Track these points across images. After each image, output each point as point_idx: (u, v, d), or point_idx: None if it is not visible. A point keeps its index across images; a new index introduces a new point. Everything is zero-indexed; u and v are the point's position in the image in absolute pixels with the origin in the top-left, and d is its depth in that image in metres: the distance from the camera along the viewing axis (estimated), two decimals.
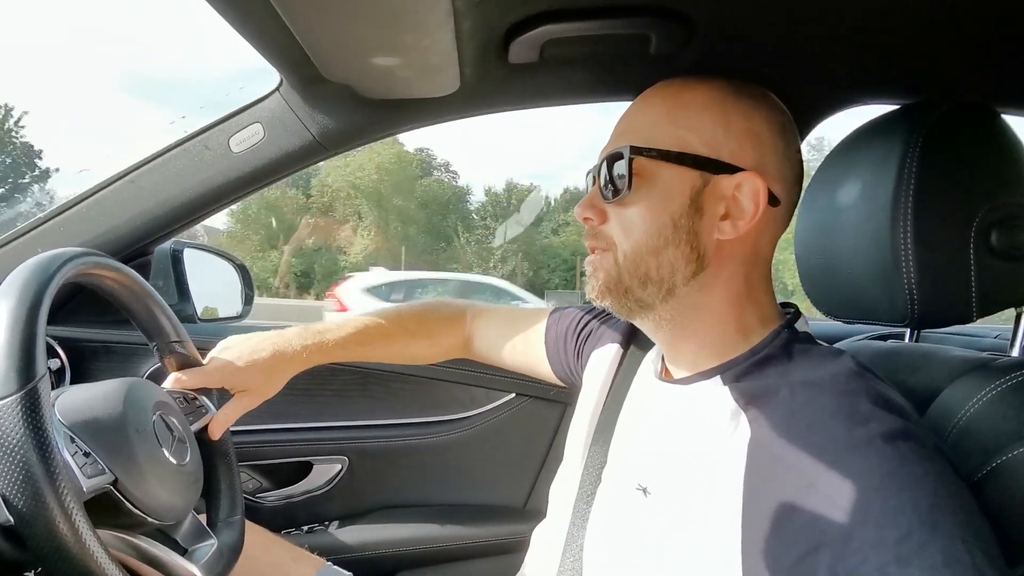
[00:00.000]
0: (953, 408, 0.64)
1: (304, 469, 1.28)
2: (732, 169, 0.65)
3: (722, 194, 0.65)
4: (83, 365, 1.14)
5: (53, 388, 0.80)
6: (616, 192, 0.67)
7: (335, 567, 0.99)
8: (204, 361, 0.88)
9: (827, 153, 0.80)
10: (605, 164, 0.68)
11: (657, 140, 0.66)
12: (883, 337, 0.98)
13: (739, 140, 0.66)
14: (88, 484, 0.58)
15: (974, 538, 0.46)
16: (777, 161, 0.67)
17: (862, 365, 0.61)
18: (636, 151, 0.66)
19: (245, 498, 1.20)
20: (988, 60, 0.77)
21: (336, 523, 1.29)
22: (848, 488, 0.50)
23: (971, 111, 0.69)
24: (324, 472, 1.29)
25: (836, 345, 0.87)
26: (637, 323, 0.73)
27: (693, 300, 0.67)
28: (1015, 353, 0.72)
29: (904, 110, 0.74)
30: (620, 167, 0.66)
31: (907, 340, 0.90)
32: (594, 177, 0.72)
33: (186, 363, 0.85)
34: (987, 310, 0.68)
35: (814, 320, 1.00)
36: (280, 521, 1.26)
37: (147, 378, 0.84)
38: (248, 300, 1.53)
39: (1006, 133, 0.69)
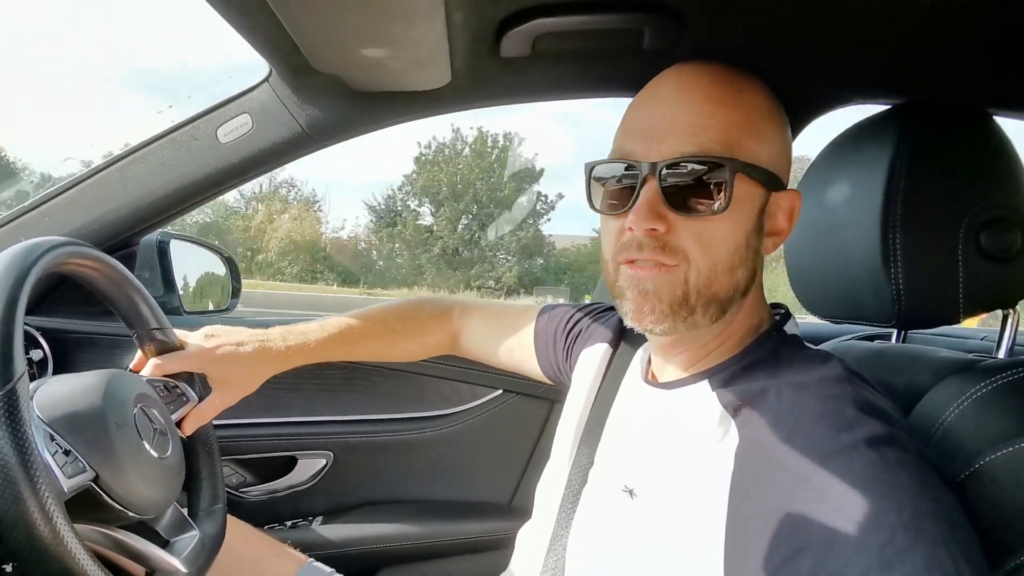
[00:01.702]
0: (938, 409, 0.64)
1: (288, 464, 1.27)
2: (782, 186, 0.64)
3: (771, 211, 0.65)
4: (66, 356, 1.13)
5: (34, 379, 0.79)
6: (699, 204, 0.60)
7: (317, 563, 0.98)
8: (184, 346, 0.86)
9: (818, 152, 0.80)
10: (681, 167, 0.60)
11: (739, 150, 0.60)
12: (871, 338, 0.98)
13: (785, 155, 0.65)
14: (68, 484, 0.57)
15: (956, 544, 0.46)
16: (791, 174, 0.67)
17: (849, 369, 0.60)
18: (741, 166, 0.59)
19: (228, 492, 1.19)
20: (978, 61, 0.77)
21: (320, 519, 1.28)
22: (832, 492, 0.50)
23: (961, 112, 0.70)
24: (308, 467, 1.28)
25: (824, 345, 0.87)
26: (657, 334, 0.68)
27: (729, 317, 0.65)
28: (1001, 355, 0.72)
29: (895, 110, 0.74)
30: (707, 175, 0.59)
31: (894, 341, 0.90)
32: (644, 176, 0.61)
33: (166, 350, 0.83)
34: (973, 311, 0.68)
35: (803, 319, 1.00)
36: (263, 516, 1.25)
37: (130, 370, 0.83)
38: (235, 293, 1.52)
39: (996, 134, 0.69)
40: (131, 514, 0.64)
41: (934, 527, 0.46)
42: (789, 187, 0.67)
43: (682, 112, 0.62)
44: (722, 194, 0.59)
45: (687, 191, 0.60)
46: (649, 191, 0.60)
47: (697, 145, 0.60)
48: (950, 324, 0.70)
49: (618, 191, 0.65)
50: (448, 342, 1.11)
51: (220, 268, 1.53)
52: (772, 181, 0.63)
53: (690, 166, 0.59)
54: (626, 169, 0.63)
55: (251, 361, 0.89)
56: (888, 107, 0.77)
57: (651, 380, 0.74)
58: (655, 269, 0.61)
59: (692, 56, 0.67)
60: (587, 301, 1.09)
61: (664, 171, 0.60)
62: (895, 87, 0.85)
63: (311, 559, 0.99)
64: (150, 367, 0.82)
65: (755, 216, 0.63)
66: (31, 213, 1.07)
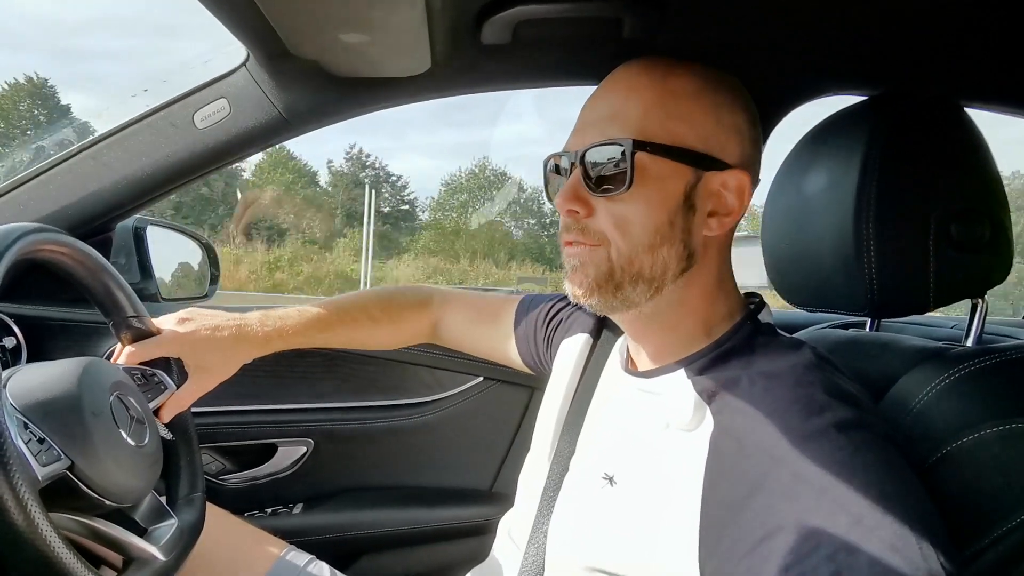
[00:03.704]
0: (909, 396, 0.66)
1: (268, 451, 1.27)
2: (721, 165, 0.65)
3: (710, 191, 0.65)
4: (41, 344, 1.11)
5: (8, 367, 0.78)
6: (609, 186, 0.64)
7: (298, 550, 0.99)
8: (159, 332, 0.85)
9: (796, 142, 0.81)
10: (593, 153, 0.64)
11: (652, 132, 0.63)
12: (845, 326, 1.00)
13: (727, 134, 0.65)
14: (43, 472, 0.57)
15: (922, 525, 0.47)
16: (754, 155, 0.68)
17: (821, 356, 0.62)
18: (639, 145, 0.62)
19: (208, 480, 1.19)
20: (951, 54, 0.78)
21: (300, 506, 1.28)
22: (802, 476, 0.51)
23: (934, 105, 0.70)
24: (289, 454, 1.27)
25: (799, 334, 0.88)
26: (614, 317, 0.73)
27: (676, 297, 0.67)
28: (969, 343, 0.74)
29: (870, 102, 0.75)
30: (615, 159, 0.63)
31: (867, 329, 0.91)
32: (572, 164, 0.66)
33: (143, 337, 0.83)
34: (944, 300, 0.69)
35: (778, 309, 1.02)
36: (243, 504, 1.24)
37: (107, 358, 0.82)
38: (213, 280, 1.50)
39: (967, 127, 0.70)
40: (108, 502, 0.64)
41: (899, 508, 0.48)
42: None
43: (603, 104, 0.68)
44: (623, 173, 0.63)
45: (601, 175, 0.64)
46: (573, 178, 0.66)
47: (609, 132, 0.64)
48: (921, 313, 0.71)
49: (558, 180, 0.71)
50: (427, 330, 1.11)
51: (198, 254, 1.51)
52: (701, 160, 0.64)
53: (602, 151, 0.64)
54: (559, 160, 0.70)
55: (228, 346, 0.89)
56: (863, 98, 0.78)
57: (630, 369, 0.75)
58: (582, 246, 0.66)
59: (671, 46, 0.68)
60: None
61: (584, 158, 0.65)
62: (870, 79, 0.86)
63: (291, 545, 1.00)
64: (126, 355, 0.81)
65: (678, 195, 0.64)
66: (3, 198, 1.05)
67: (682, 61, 0.67)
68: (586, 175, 0.65)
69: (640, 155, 0.62)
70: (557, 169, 0.71)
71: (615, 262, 0.65)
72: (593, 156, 0.64)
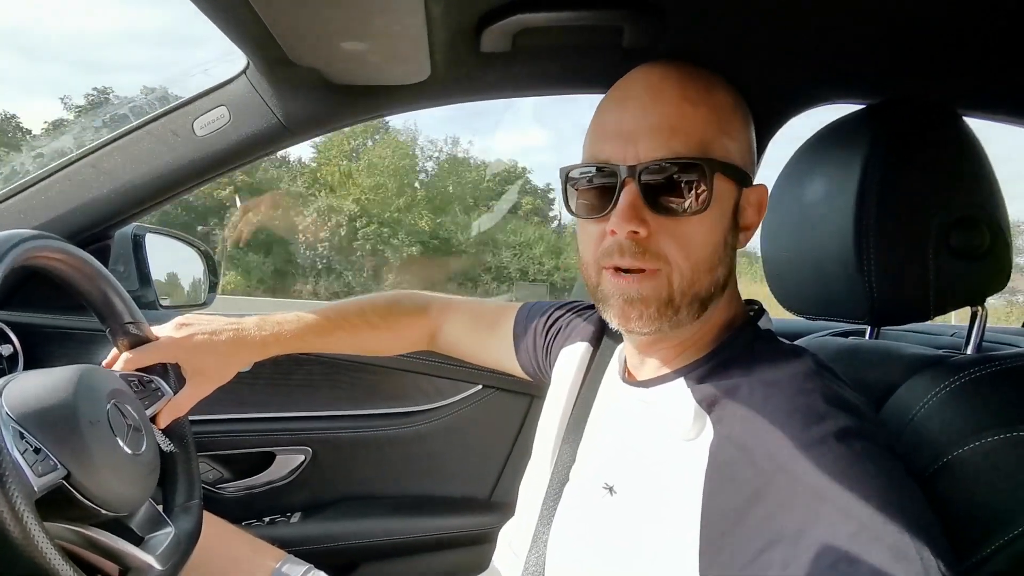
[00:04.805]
0: (908, 404, 0.66)
1: (266, 459, 1.26)
2: (750, 181, 0.65)
3: (743, 206, 0.65)
4: (38, 351, 1.11)
5: (3, 375, 0.78)
6: (675, 205, 0.60)
7: (295, 559, 0.98)
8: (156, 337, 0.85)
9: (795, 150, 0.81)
10: (656, 168, 0.60)
11: (713, 149, 0.61)
12: (845, 334, 0.99)
13: (752, 149, 0.66)
14: (39, 483, 0.56)
15: (923, 534, 0.47)
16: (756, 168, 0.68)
17: (821, 364, 0.61)
18: (715, 165, 0.59)
19: (205, 488, 1.18)
20: (949, 63, 0.78)
21: (298, 514, 1.27)
22: (803, 485, 0.51)
23: (933, 113, 0.71)
24: (287, 463, 1.27)
25: (799, 341, 0.88)
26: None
27: (707, 313, 0.65)
28: (969, 351, 0.74)
29: (869, 110, 0.75)
30: (689, 178, 0.59)
31: (867, 337, 0.91)
32: (623, 180, 0.60)
33: (140, 344, 0.82)
34: (944, 308, 0.69)
35: (778, 317, 1.01)
36: (240, 512, 1.24)
37: (103, 365, 0.82)
38: (212, 287, 1.50)
39: (966, 135, 0.70)
40: (104, 512, 0.63)
41: (900, 517, 0.47)
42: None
43: (655, 113, 0.62)
44: (702, 194, 0.59)
45: (666, 193, 0.60)
46: (629, 194, 0.60)
47: (673, 146, 0.60)
48: (921, 321, 0.71)
49: (595, 194, 0.64)
50: (426, 338, 1.10)
51: (197, 262, 1.51)
52: (743, 177, 0.64)
53: (668, 168, 0.59)
54: (602, 173, 0.63)
55: (225, 350, 0.88)
56: (862, 107, 0.78)
57: (628, 378, 0.74)
58: (638, 276, 0.61)
59: (671, 54, 0.67)
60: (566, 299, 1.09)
61: (643, 174, 0.60)
62: (869, 87, 0.86)
63: (289, 554, 0.99)
64: (122, 361, 0.80)
65: (731, 213, 0.64)
66: (1, 206, 1.05)
67: (708, 72, 0.66)
68: (646, 192, 0.60)
69: (717, 174, 0.60)
70: (591, 181, 0.65)
71: (676, 287, 0.61)
72: (655, 171, 0.60)
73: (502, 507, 1.33)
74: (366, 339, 1.05)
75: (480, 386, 1.36)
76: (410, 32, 0.77)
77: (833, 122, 0.78)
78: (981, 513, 0.57)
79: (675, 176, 0.59)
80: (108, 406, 0.67)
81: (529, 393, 1.36)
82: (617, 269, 0.62)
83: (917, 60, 0.77)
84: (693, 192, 0.59)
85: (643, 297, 0.61)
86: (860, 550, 0.46)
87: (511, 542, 0.83)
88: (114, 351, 0.82)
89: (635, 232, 0.60)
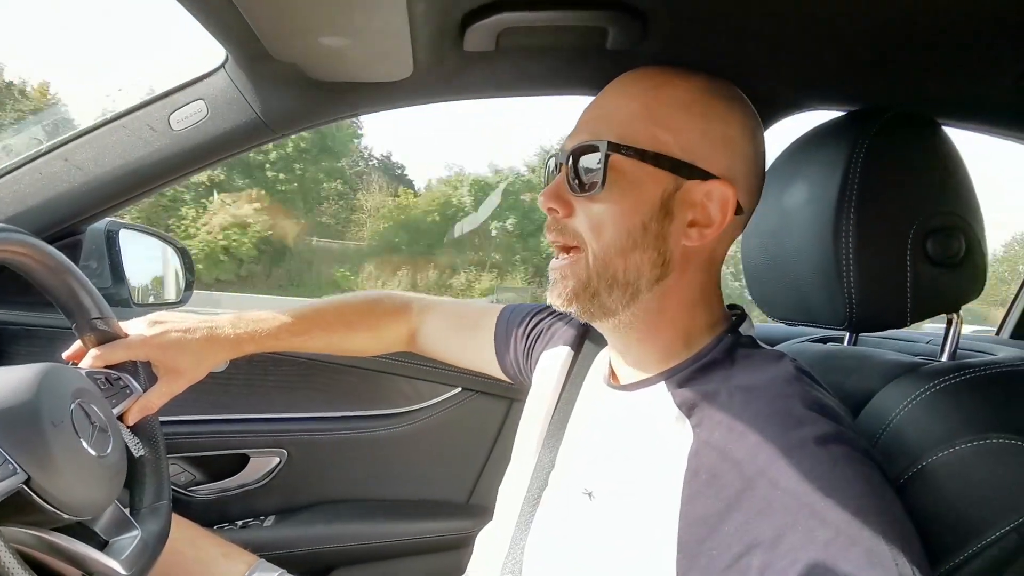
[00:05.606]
0: (885, 410, 0.66)
1: (240, 462, 1.24)
2: (704, 175, 0.64)
3: (692, 200, 0.64)
4: (3, 350, 1.08)
5: None
6: (586, 186, 0.65)
7: (268, 564, 0.96)
8: (125, 334, 0.83)
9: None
10: (574, 154, 0.65)
11: (634, 137, 0.63)
12: (824, 340, 1.00)
13: (714, 145, 0.65)
14: None
15: (899, 540, 0.47)
16: (746, 168, 0.67)
17: (801, 369, 0.61)
18: (614, 147, 0.63)
19: (176, 491, 1.16)
20: (929, 72, 0.79)
21: (272, 518, 1.25)
22: (781, 490, 0.50)
23: (912, 121, 0.71)
24: (261, 465, 1.25)
25: (778, 347, 0.88)
26: (597, 326, 0.72)
27: (654, 306, 0.67)
28: (944, 358, 0.74)
29: (850, 116, 0.75)
30: (593, 160, 0.64)
31: (845, 343, 0.92)
32: (559, 164, 0.68)
33: (107, 340, 0.80)
34: (921, 315, 0.70)
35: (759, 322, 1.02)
36: (213, 516, 1.21)
37: (69, 362, 0.79)
38: (188, 285, 1.47)
39: (945, 143, 0.71)
40: (66, 516, 0.61)
41: (876, 523, 0.47)
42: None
43: (595, 106, 0.69)
44: (597, 172, 0.63)
45: (582, 176, 0.65)
46: (559, 176, 0.68)
47: (596, 132, 0.65)
48: (899, 328, 0.71)
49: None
50: (405, 339, 1.09)
51: (173, 259, 1.48)
52: (682, 168, 0.63)
53: (579, 151, 0.65)
54: (555, 159, 0.72)
55: (199, 348, 0.87)
56: (843, 113, 0.78)
57: (612, 383, 0.74)
58: (564, 257, 0.68)
59: (655, 57, 0.68)
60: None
61: (569, 158, 0.66)
62: (850, 94, 0.87)
63: (261, 559, 0.97)
64: (90, 358, 0.78)
65: (654, 201, 0.64)
66: None
67: (686, 71, 0.67)
68: (569, 175, 0.66)
69: (615, 157, 0.63)
70: (553, 167, 0.73)
71: (592, 267, 0.65)
72: (574, 157, 0.65)
73: (480, 511, 1.32)
74: (343, 338, 1.03)
75: (459, 389, 1.35)
76: (392, 29, 0.76)
77: (813, 128, 0.78)
78: (955, 520, 0.58)
79: (582, 158, 0.65)
80: (72, 406, 0.65)
81: (509, 396, 1.35)
82: (556, 250, 0.69)
83: (898, 69, 0.78)
84: (592, 173, 0.64)
85: (564, 275, 0.67)
86: (836, 555, 0.46)
87: (488, 546, 0.82)
88: (78, 342, 0.80)
89: (553, 210, 0.67)
